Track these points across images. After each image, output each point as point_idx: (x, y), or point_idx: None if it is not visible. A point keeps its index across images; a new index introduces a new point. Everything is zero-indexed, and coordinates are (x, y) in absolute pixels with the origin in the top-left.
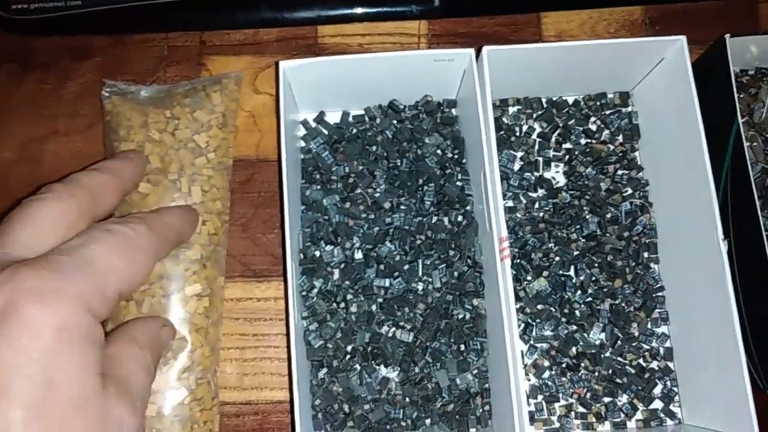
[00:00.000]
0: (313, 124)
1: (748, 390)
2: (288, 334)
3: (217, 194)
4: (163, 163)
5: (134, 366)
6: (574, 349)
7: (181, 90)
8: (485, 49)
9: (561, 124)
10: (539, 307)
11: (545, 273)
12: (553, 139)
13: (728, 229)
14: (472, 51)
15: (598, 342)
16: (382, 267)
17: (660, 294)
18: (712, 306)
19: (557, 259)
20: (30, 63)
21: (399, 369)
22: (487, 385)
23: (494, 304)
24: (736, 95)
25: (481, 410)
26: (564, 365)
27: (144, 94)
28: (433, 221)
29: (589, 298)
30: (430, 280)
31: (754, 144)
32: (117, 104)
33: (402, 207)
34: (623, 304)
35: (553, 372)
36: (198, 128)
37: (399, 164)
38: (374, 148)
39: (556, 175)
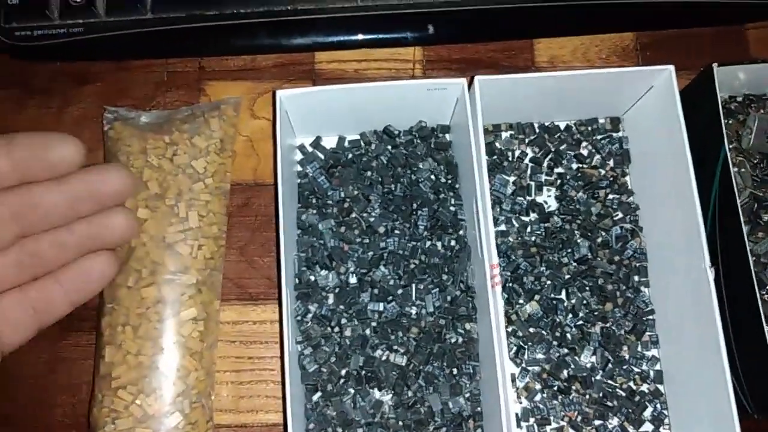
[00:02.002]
0: (310, 149)
1: (734, 414)
2: (282, 359)
3: (213, 219)
4: (161, 188)
5: None
6: (565, 372)
7: (180, 116)
8: (477, 78)
9: (553, 149)
10: (531, 330)
11: (537, 297)
12: (545, 164)
13: (716, 254)
14: (464, 80)
15: (589, 365)
16: (376, 291)
17: (650, 317)
18: (701, 331)
19: (549, 282)
20: (32, 88)
21: (392, 393)
22: (479, 409)
23: (486, 329)
24: (723, 123)
25: None
26: (555, 388)
27: (144, 120)
28: (427, 246)
29: (580, 322)
30: (424, 304)
31: (743, 170)
32: (118, 130)
33: (396, 231)
34: (614, 328)
35: (545, 395)
36: (196, 154)
37: (393, 189)
38: (369, 173)
39: (548, 199)
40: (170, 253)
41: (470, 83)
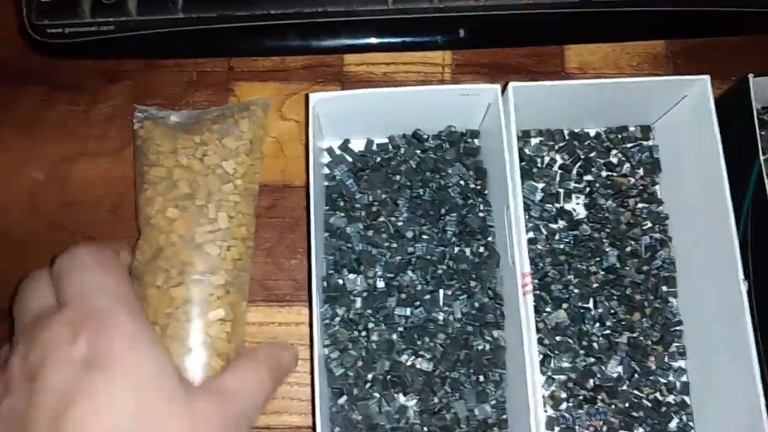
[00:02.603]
0: (338, 152)
1: (765, 429)
2: (312, 362)
3: (242, 220)
4: (191, 188)
5: (247, 383)
6: (591, 381)
7: (210, 116)
8: (511, 85)
9: (582, 156)
10: (558, 338)
11: (564, 305)
12: (574, 171)
13: (747, 265)
14: (498, 87)
15: (615, 375)
16: (403, 296)
17: (678, 328)
18: (731, 343)
19: (576, 291)
20: (61, 85)
21: (418, 398)
22: (504, 416)
23: (515, 337)
24: (758, 134)
25: None
26: (581, 397)
27: (174, 120)
28: (455, 251)
29: (607, 331)
30: (451, 310)
31: None
32: (149, 129)
33: (424, 236)
34: (641, 338)
35: (570, 404)
36: (226, 155)
37: (422, 193)
38: (398, 177)
39: (577, 207)
40: (199, 254)
41: (503, 89)
